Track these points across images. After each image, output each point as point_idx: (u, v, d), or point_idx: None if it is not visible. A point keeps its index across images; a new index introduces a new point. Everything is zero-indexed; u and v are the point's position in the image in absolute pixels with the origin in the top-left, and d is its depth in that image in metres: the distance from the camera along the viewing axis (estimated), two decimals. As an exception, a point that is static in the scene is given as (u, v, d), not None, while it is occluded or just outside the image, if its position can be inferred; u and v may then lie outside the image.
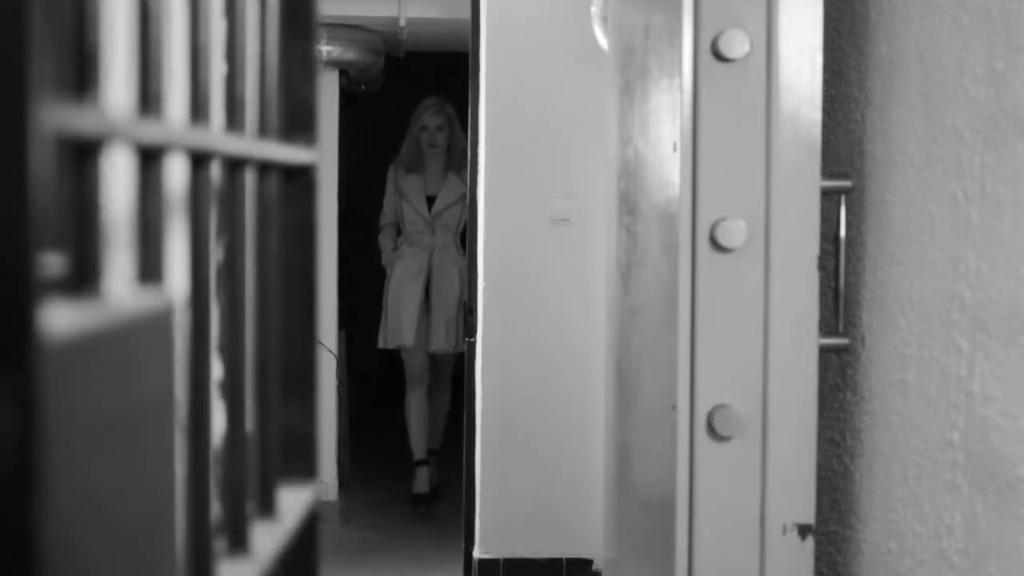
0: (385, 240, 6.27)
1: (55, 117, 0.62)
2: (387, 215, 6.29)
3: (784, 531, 1.81)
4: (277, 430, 1.12)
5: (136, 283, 0.81)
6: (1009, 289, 1.50)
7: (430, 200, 6.18)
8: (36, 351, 0.58)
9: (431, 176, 6.22)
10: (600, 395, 4.42)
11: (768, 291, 1.81)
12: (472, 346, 4.88)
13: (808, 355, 1.81)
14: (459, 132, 6.14)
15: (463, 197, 5.97)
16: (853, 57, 1.92)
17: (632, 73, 2.19)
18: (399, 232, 6.28)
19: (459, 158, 6.03)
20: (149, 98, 0.80)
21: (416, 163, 6.23)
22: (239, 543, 1.00)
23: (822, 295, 1.88)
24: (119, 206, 0.79)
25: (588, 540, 4.70)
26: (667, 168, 1.89)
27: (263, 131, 1.10)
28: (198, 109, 0.91)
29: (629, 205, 2.19)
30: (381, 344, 6.22)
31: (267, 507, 1.08)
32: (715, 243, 1.80)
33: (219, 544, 0.98)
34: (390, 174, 6.30)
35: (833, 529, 1.97)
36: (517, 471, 4.77)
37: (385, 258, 6.26)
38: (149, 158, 0.81)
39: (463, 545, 4.95)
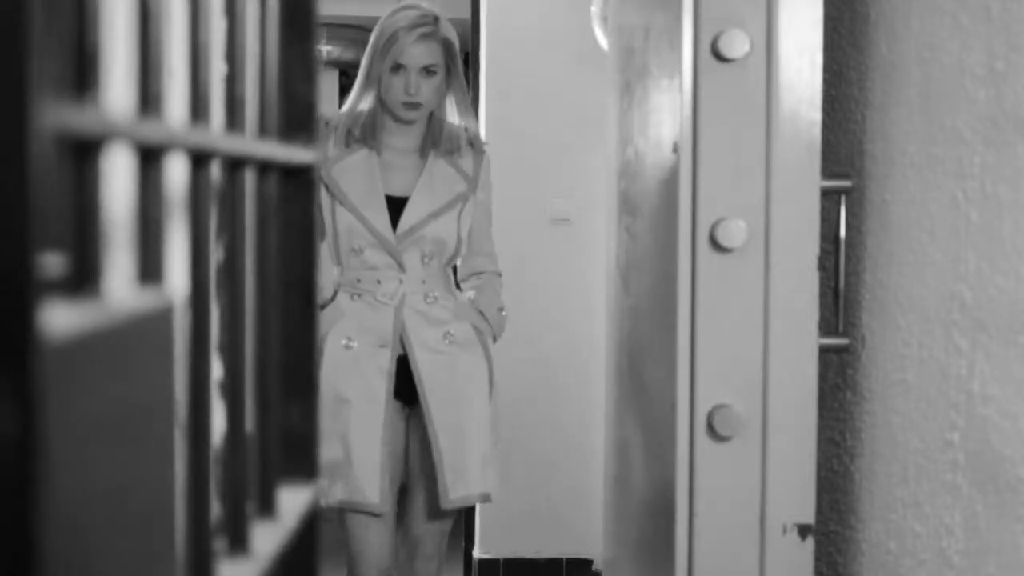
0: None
1: (55, 117, 0.62)
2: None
3: (784, 531, 1.81)
4: (277, 430, 1.12)
5: (136, 283, 0.81)
6: (1009, 289, 1.50)
7: (394, 204, 3.14)
8: (36, 351, 0.58)
9: (395, 158, 3.19)
10: (600, 395, 4.41)
11: (768, 291, 1.81)
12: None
13: (808, 355, 1.81)
14: (461, 79, 3.23)
15: (459, 198, 3.19)
16: (853, 57, 1.92)
17: (632, 73, 2.19)
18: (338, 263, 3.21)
19: (452, 134, 3.21)
20: (149, 98, 0.80)
21: (368, 131, 3.16)
22: (239, 543, 1.00)
23: (822, 295, 1.88)
24: (119, 206, 0.79)
25: (588, 540, 4.70)
26: (667, 168, 1.89)
27: (263, 131, 1.10)
28: (198, 109, 0.90)
29: (629, 205, 2.19)
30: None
31: (267, 507, 1.08)
32: (715, 243, 1.80)
33: (219, 544, 0.98)
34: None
35: (833, 529, 1.97)
36: (517, 471, 4.77)
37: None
38: (149, 158, 0.81)
39: (463, 545, 4.95)
